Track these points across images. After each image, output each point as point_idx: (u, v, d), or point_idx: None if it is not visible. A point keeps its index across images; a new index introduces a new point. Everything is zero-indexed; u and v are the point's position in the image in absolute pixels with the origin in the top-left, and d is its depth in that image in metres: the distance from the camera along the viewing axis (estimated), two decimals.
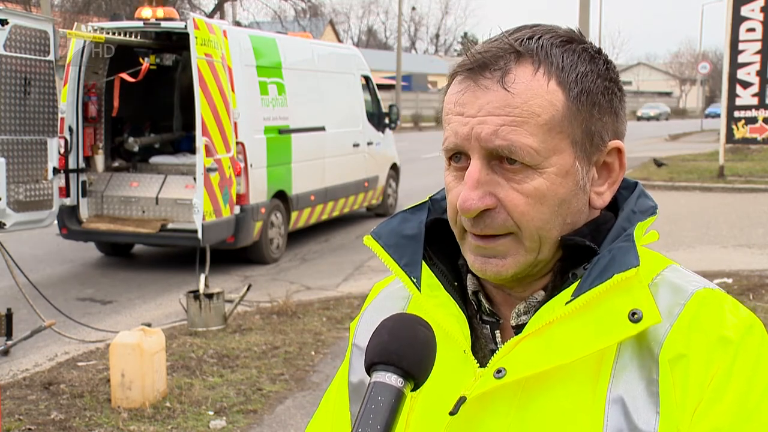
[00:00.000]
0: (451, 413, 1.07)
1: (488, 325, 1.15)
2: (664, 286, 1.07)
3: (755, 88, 17.01)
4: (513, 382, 1.05)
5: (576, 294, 1.04)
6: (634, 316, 1.01)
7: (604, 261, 1.05)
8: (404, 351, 0.98)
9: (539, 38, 1.08)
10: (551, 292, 1.10)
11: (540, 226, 1.07)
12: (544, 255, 1.09)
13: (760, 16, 16.80)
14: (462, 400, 1.07)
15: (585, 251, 1.09)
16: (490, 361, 1.08)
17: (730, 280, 8.54)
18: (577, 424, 1.03)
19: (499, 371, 1.05)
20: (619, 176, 1.14)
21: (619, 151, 1.12)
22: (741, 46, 16.96)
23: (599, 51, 1.11)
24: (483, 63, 1.06)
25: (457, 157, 1.09)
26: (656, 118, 67.23)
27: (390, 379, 0.97)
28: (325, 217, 11.93)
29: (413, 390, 0.99)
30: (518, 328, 1.10)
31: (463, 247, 1.12)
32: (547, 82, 1.06)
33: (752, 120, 17.19)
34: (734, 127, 17.36)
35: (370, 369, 0.99)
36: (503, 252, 1.08)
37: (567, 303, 1.04)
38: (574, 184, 1.08)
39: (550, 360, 1.03)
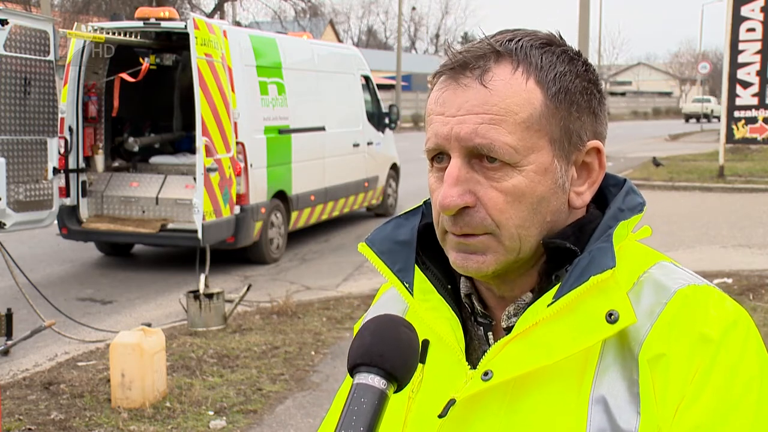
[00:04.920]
0: (440, 416, 1.08)
1: (482, 327, 1.16)
2: (648, 284, 1.08)
3: (755, 88, 17.00)
4: (501, 383, 1.06)
5: (557, 296, 1.05)
6: (611, 317, 1.03)
7: (584, 263, 1.06)
8: (387, 352, 0.99)
9: (519, 40, 1.10)
10: (538, 294, 1.10)
11: (519, 224, 1.08)
12: (525, 254, 1.10)
13: (760, 16, 16.80)
14: (451, 403, 1.08)
15: (569, 252, 1.10)
16: (479, 363, 1.09)
17: (730, 280, 8.54)
18: (562, 424, 1.03)
19: (486, 373, 1.06)
20: (599, 176, 1.15)
21: (598, 151, 1.13)
22: (741, 46, 16.96)
23: (579, 54, 1.13)
24: (464, 62, 1.08)
25: (440, 157, 1.11)
26: None
27: (373, 380, 0.97)
28: (325, 217, 11.93)
29: (396, 392, 1.00)
30: (509, 330, 1.11)
31: (446, 247, 1.13)
32: (525, 80, 1.07)
33: (752, 120, 17.18)
34: (734, 127, 17.35)
35: (353, 370, 0.99)
36: (483, 249, 1.09)
37: (549, 305, 1.05)
38: (553, 182, 1.09)
39: (534, 361, 1.04)
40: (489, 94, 1.06)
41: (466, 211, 1.07)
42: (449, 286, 1.18)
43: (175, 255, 10.75)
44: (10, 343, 6.64)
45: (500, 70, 1.07)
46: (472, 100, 1.07)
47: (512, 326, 1.10)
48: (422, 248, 1.19)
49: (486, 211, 1.07)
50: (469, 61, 1.08)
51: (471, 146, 1.06)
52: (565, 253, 1.10)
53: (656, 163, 21.52)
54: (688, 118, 54.27)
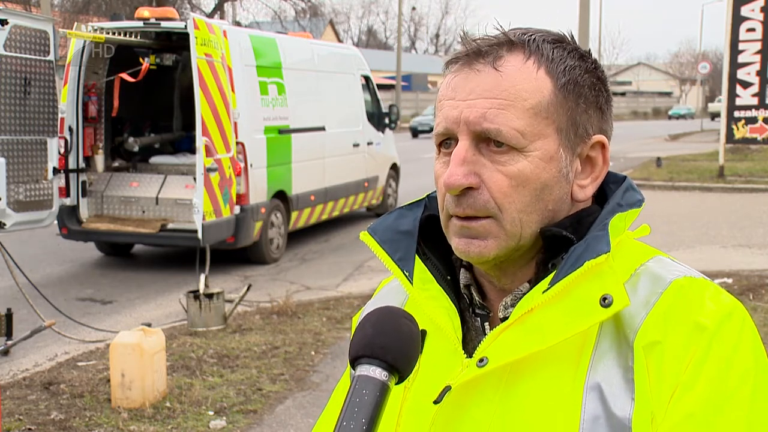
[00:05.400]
0: (435, 402, 1.10)
1: (479, 317, 1.18)
2: (645, 275, 1.10)
3: (755, 88, 17.01)
4: (497, 369, 1.08)
5: (552, 282, 1.07)
6: (605, 301, 1.04)
7: (580, 250, 1.08)
8: (388, 344, 1.00)
9: (532, 34, 1.13)
10: (534, 283, 1.12)
11: (521, 209, 1.09)
12: (525, 241, 1.11)
13: (760, 16, 16.80)
14: (447, 389, 1.09)
15: (566, 242, 1.11)
16: (475, 351, 1.11)
17: (730, 280, 8.54)
18: (556, 410, 1.04)
19: (481, 360, 1.08)
20: (602, 171, 1.16)
21: (603, 146, 1.15)
22: (741, 46, 16.96)
23: (589, 52, 1.16)
24: (478, 50, 1.11)
25: (447, 143, 1.13)
26: None
27: (374, 372, 0.98)
28: (325, 217, 11.94)
29: (398, 383, 1.00)
30: (505, 320, 1.12)
31: (449, 233, 1.14)
32: (536, 69, 1.10)
33: (752, 120, 17.19)
34: (734, 127, 17.36)
35: (354, 362, 1.00)
36: (485, 233, 1.10)
37: (544, 292, 1.07)
38: (557, 171, 1.11)
39: (528, 347, 1.06)
40: (500, 77, 1.09)
41: (470, 192, 1.09)
42: (449, 277, 1.20)
43: (175, 255, 10.75)
44: (10, 343, 6.64)
45: (512, 58, 1.10)
46: (483, 84, 1.09)
47: (509, 316, 1.11)
48: (424, 239, 1.21)
49: (490, 194, 1.09)
50: (483, 49, 1.11)
51: (479, 130, 1.08)
52: (562, 243, 1.11)
53: (659, 164, 21.51)
54: (713, 116, 55.65)
